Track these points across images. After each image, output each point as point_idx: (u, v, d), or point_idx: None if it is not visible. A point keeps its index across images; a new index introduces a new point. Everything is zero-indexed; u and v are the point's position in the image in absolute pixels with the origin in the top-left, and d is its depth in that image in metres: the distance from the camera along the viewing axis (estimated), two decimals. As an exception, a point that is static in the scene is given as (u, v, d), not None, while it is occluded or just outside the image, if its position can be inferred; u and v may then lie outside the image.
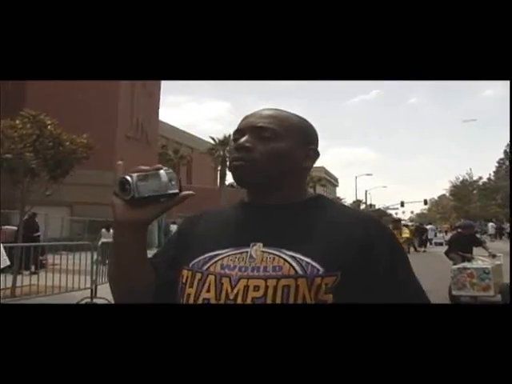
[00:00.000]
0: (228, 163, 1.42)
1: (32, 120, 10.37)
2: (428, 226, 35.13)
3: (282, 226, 1.25)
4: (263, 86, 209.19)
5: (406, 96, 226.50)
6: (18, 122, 10.32)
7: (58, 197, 12.26)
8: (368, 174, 70.49)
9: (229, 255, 1.22)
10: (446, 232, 45.67)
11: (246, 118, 1.34)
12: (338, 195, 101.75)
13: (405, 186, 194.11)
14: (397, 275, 1.20)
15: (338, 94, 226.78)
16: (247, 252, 1.21)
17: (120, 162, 1.23)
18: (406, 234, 23.48)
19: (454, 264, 9.86)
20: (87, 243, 10.52)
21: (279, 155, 1.27)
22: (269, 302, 1.13)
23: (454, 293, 9.29)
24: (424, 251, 27.77)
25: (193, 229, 1.37)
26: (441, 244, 29.89)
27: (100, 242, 10.00)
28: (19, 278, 9.21)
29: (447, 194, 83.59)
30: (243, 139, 1.28)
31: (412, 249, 26.01)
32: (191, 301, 1.21)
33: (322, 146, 1.41)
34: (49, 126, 10.41)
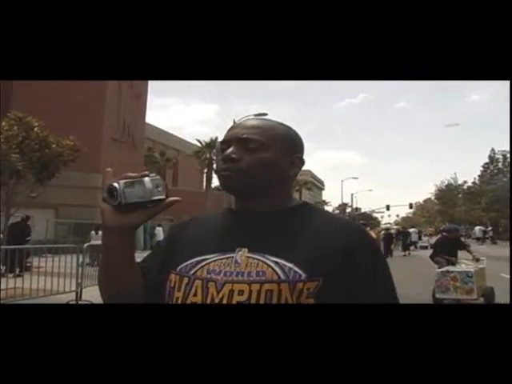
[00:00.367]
0: (215, 171, 1.45)
1: (18, 122, 10.31)
2: (411, 230, 35.33)
3: (267, 232, 1.28)
4: (251, 88, 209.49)
5: (394, 100, 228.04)
6: (4, 123, 10.26)
7: (43, 199, 12.22)
8: (354, 178, 70.78)
9: (215, 260, 1.25)
10: (431, 236, 45.90)
11: (232, 128, 1.38)
12: (324, 198, 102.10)
13: (391, 189, 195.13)
14: (377, 282, 1.23)
15: (326, 98, 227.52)
16: (233, 257, 1.24)
17: (109, 169, 1.26)
18: None
19: (439, 267, 9.95)
20: (72, 246, 10.47)
21: (265, 165, 1.30)
22: None
23: (438, 296, 9.37)
24: (406, 255, 27.88)
25: (181, 234, 1.40)
26: (426, 247, 30.01)
27: (86, 245, 9.93)
28: (3, 280, 9.13)
29: (432, 198, 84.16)
30: (229, 150, 1.31)
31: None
32: None
33: (308, 150, 1.44)
34: (35, 128, 10.36)
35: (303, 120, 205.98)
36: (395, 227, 43.28)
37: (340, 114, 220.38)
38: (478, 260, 10.29)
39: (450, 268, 9.60)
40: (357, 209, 75.55)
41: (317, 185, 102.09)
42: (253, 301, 1.16)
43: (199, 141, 43.65)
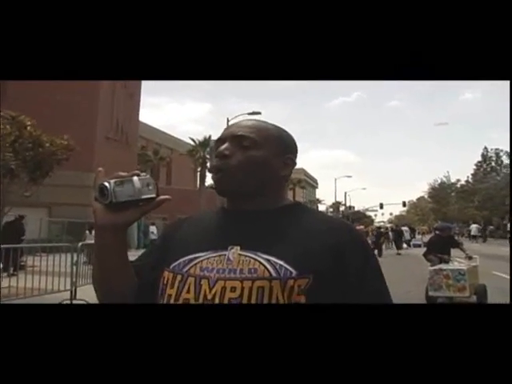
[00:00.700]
0: (209, 169, 1.48)
1: (11, 121, 10.28)
2: (403, 228, 35.47)
3: (259, 230, 1.30)
4: (245, 87, 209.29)
5: (387, 98, 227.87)
6: (-4, 122, 10.23)
7: (37, 198, 12.16)
8: (348, 176, 71.28)
9: (208, 258, 1.27)
10: (424, 234, 46.03)
11: (229, 127, 1.42)
12: (317, 197, 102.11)
13: (384, 188, 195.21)
14: (367, 281, 1.24)
15: (320, 96, 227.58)
16: (225, 255, 1.26)
17: (101, 169, 1.29)
18: None
19: (432, 265, 10.00)
20: (66, 245, 10.45)
21: (257, 163, 1.33)
22: (245, 302, 1.18)
23: (431, 293, 9.42)
24: (400, 253, 27.96)
25: (176, 232, 1.43)
26: (419, 246, 30.08)
27: (80, 244, 9.92)
28: (-3, 279, 9.12)
29: (426, 196, 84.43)
30: (223, 147, 1.34)
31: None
32: (172, 301, 1.26)
33: (302, 148, 1.47)
34: (28, 127, 10.33)
35: (297, 118, 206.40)
36: (388, 225, 43.39)
37: (334, 113, 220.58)
38: (470, 258, 10.34)
39: (443, 266, 9.65)
40: (350, 207, 75.53)
41: (310, 183, 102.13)
42: (245, 297, 1.18)
43: (193, 139, 43.58)
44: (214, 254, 1.27)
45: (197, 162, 43.09)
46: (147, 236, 26.93)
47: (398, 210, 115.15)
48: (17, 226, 14.41)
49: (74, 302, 8.48)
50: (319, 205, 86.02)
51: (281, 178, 1.39)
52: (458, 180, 70.81)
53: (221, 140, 1.38)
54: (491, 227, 45.23)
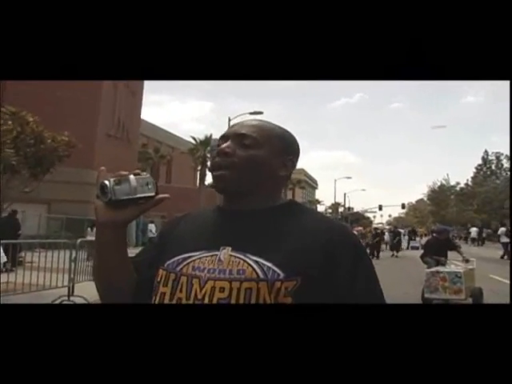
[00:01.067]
0: (209, 168, 1.51)
1: (12, 116, 10.28)
2: (401, 230, 35.48)
3: (250, 231, 1.32)
4: (247, 87, 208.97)
5: (389, 100, 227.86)
6: (-3, 118, 10.24)
7: (36, 194, 12.14)
8: (348, 177, 70.67)
9: (200, 258, 1.30)
10: (422, 236, 45.96)
11: (233, 126, 1.44)
12: (317, 197, 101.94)
13: (383, 189, 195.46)
14: (358, 282, 1.24)
15: (322, 97, 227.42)
16: (217, 255, 1.28)
17: (103, 168, 1.33)
18: None
19: (428, 268, 10.02)
20: (64, 241, 10.45)
21: (257, 162, 1.35)
22: (233, 302, 1.20)
23: (427, 295, 9.42)
24: (397, 255, 27.89)
25: (172, 230, 1.46)
26: (417, 248, 30.03)
27: (79, 240, 9.93)
28: (-5, 275, 9.11)
29: (425, 199, 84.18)
30: (224, 145, 1.36)
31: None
32: (167, 300, 1.29)
33: (302, 148, 1.46)
34: (30, 123, 10.33)
35: (298, 118, 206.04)
36: (387, 227, 43.35)
37: (336, 114, 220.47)
38: (467, 261, 10.36)
39: (440, 268, 9.65)
40: (349, 208, 75.47)
41: (310, 184, 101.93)
42: (233, 298, 1.20)
43: (194, 138, 43.49)
44: (207, 254, 1.29)
45: (197, 160, 42.99)
46: (145, 234, 26.82)
47: (397, 211, 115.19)
48: (12, 221, 14.40)
49: (72, 298, 8.50)
50: (318, 205, 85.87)
51: (279, 178, 1.40)
52: (458, 183, 70.67)
53: (224, 138, 1.40)
54: (489, 230, 45.09)
